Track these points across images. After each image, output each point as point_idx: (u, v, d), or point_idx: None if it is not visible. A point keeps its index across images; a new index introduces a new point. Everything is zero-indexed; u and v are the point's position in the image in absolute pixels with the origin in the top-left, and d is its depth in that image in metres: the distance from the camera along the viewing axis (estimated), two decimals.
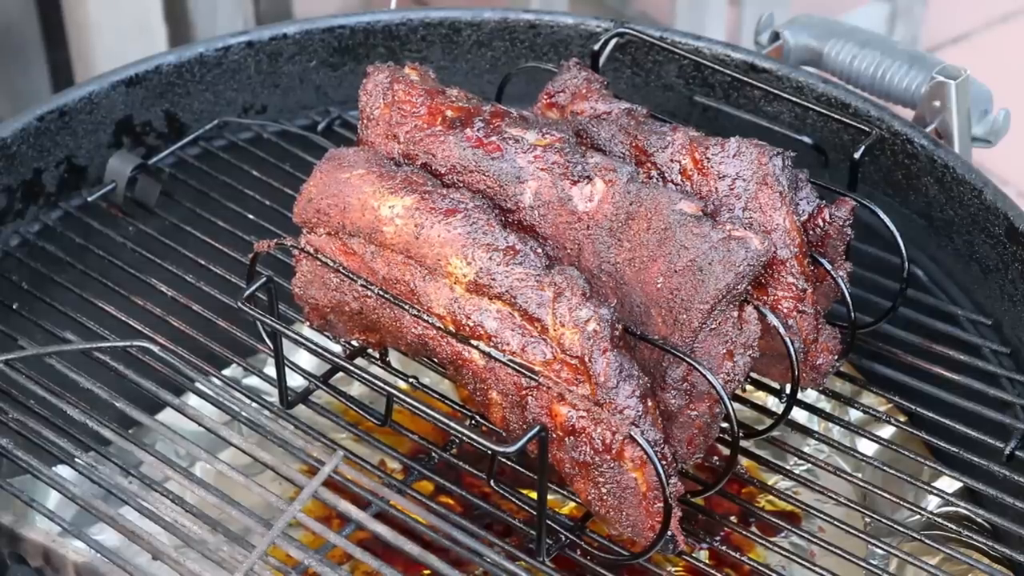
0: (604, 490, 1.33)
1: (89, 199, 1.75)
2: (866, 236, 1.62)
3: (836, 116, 1.62)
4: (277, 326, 1.41)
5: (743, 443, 1.46)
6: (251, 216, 1.74)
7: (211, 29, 2.79)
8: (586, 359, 1.30)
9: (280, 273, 1.52)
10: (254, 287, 1.42)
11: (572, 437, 1.32)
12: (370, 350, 1.54)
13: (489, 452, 1.30)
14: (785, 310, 1.41)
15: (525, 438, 1.29)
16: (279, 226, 1.69)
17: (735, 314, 1.36)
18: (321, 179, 1.45)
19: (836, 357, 1.46)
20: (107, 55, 2.55)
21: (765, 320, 1.39)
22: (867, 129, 1.59)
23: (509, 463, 1.45)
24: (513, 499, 1.45)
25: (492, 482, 1.42)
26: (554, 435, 1.33)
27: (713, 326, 1.35)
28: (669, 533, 1.31)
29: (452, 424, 1.31)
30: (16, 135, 1.71)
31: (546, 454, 1.32)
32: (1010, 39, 3.51)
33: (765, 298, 1.41)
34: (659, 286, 1.36)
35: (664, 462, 1.30)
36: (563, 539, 1.42)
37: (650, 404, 1.31)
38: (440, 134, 1.46)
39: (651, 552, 1.34)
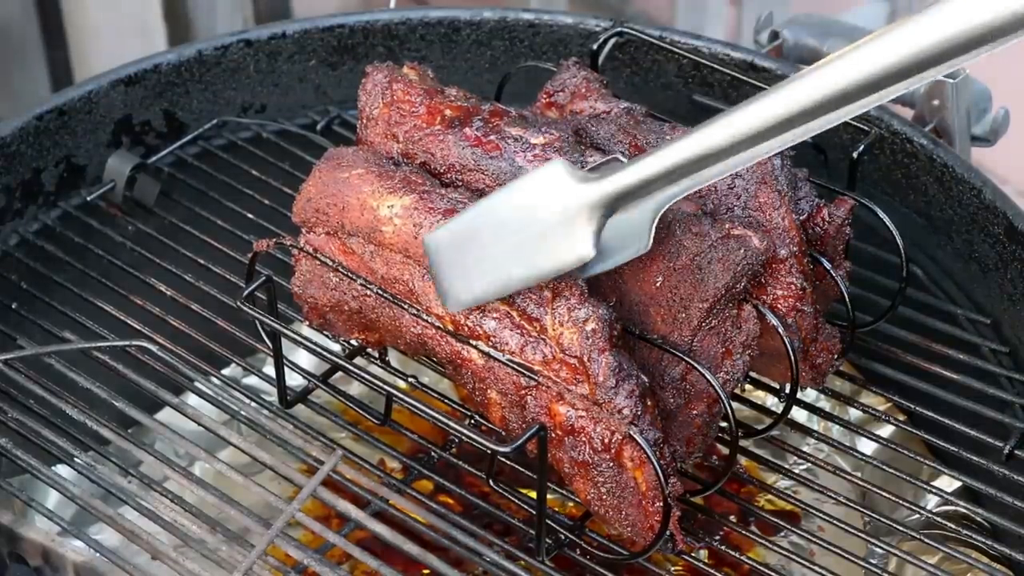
0: (603, 490, 1.33)
1: (88, 198, 1.75)
2: (865, 235, 1.62)
3: None
4: (276, 325, 1.41)
5: (742, 442, 1.46)
6: (251, 216, 1.74)
7: (210, 28, 2.79)
8: (585, 359, 1.30)
9: (280, 272, 1.52)
10: (253, 286, 1.42)
11: (571, 437, 1.32)
12: (369, 349, 1.54)
13: (488, 451, 1.30)
14: (784, 309, 1.41)
15: (524, 437, 1.29)
16: (279, 226, 1.68)
17: (734, 313, 1.36)
18: (320, 178, 1.45)
19: (836, 356, 1.46)
20: (106, 55, 2.55)
21: (764, 319, 1.39)
22: (866, 128, 1.59)
23: (508, 462, 1.45)
24: (512, 498, 1.45)
25: (491, 481, 1.42)
26: (553, 434, 1.33)
27: (712, 325, 1.35)
28: (668, 532, 1.31)
29: (452, 423, 1.31)
30: (15, 134, 1.71)
31: (545, 454, 1.32)
32: None
33: (764, 297, 1.41)
34: (658, 285, 1.35)
35: (663, 461, 1.30)
36: (562, 538, 1.42)
37: (649, 403, 1.31)
38: (439, 133, 1.46)
39: (650, 551, 1.34)
